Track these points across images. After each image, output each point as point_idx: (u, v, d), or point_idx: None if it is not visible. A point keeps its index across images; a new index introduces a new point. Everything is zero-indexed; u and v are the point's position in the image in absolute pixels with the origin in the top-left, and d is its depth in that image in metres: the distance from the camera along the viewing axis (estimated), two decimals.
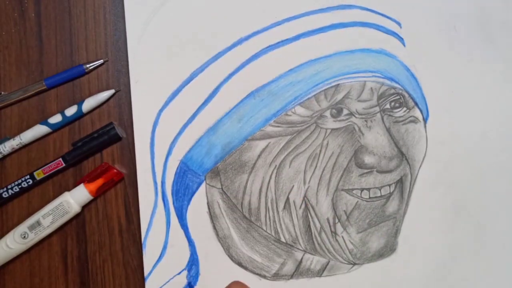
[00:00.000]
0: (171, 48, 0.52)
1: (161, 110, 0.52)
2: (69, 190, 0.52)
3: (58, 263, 0.52)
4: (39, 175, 0.51)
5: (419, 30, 0.53)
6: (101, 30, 0.52)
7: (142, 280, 0.52)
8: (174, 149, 0.52)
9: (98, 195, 0.52)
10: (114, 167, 0.52)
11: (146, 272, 0.51)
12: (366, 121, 0.52)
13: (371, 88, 0.52)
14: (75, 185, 0.52)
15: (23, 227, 0.50)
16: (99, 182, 0.51)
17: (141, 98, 0.51)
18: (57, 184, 0.53)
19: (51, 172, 0.51)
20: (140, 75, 0.51)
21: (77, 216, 0.52)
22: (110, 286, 0.52)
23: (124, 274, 0.52)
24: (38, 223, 0.50)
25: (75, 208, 0.51)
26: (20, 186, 0.51)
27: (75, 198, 0.51)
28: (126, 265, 0.52)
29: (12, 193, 0.51)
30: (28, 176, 0.51)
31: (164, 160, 0.51)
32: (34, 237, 0.50)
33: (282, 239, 0.52)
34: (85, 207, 0.52)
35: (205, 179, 0.52)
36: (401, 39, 0.53)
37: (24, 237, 0.50)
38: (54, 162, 0.51)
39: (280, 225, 0.52)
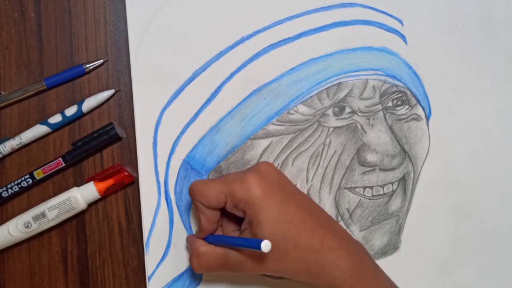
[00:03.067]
0: (173, 48, 0.51)
1: (163, 110, 0.51)
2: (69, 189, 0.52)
3: (58, 263, 0.52)
4: (38, 174, 0.51)
5: (421, 28, 0.53)
6: (101, 30, 0.52)
7: (142, 280, 0.52)
8: (177, 148, 0.51)
9: (105, 195, 0.51)
10: (126, 169, 0.51)
11: (149, 272, 0.51)
12: (368, 119, 0.52)
13: (373, 86, 0.52)
14: (77, 183, 0.52)
15: (27, 216, 0.50)
16: (109, 182, 0.51)
17: (143, 98, 0.51)
18: (57, 184, 0.52)
19: (50, 171, 0.51)
20: (142, 75, 0.51)
21: (77, 216, 0.52)
22: (110, 286, 0.52)
23: (124, 274, 0.52)
24: (43, 214, 0.50)
25: (81, 205, 0.50)
26: (19, 186, 0.51)
27: (83, 195, 0.50)
28: (126, 265, 0.52)
29: (11, 193, 0.51)
30: (27, 176, 0.51)
31: (167, 160, 0.51)
32: (37, 228, 0.50)
33: None
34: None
35: (208, 178, 0.52)
36: (403, 37, 0.53)
37: (27, 226, 0.50)
38: (54, 161, 0.51)
39: None
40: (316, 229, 0.43)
